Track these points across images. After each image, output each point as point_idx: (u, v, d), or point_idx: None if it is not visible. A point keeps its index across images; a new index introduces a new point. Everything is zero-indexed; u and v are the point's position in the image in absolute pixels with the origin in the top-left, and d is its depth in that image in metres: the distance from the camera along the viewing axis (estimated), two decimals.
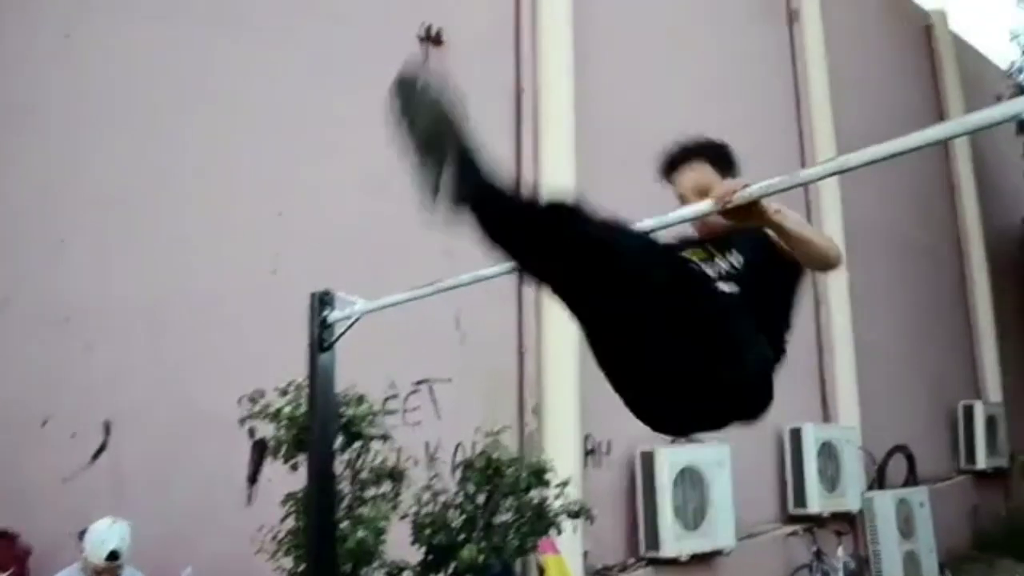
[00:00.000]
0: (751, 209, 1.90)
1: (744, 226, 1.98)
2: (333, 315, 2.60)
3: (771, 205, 1.94)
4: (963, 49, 13.07)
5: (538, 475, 4.01)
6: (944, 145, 12.04)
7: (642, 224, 2.00)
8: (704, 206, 1.93)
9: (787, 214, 1.99)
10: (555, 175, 6.39)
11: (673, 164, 2.34)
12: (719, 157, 2.35)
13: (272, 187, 5.27)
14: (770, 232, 2.06)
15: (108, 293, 4.50)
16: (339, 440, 3.58)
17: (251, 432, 4.70)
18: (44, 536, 3.94)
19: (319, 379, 2.55)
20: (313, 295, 2.63)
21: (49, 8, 4.57)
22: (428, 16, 6.25)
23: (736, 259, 2.25)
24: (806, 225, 2.09)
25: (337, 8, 5.78)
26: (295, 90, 5.46)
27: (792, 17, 9.85)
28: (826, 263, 2.12)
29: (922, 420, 9.90)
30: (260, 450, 4.78)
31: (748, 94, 8.55)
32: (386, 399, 5.33)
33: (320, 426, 2.55)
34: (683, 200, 2.31)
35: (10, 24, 4.44)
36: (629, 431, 6.62)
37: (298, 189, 5.40)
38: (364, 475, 3.65)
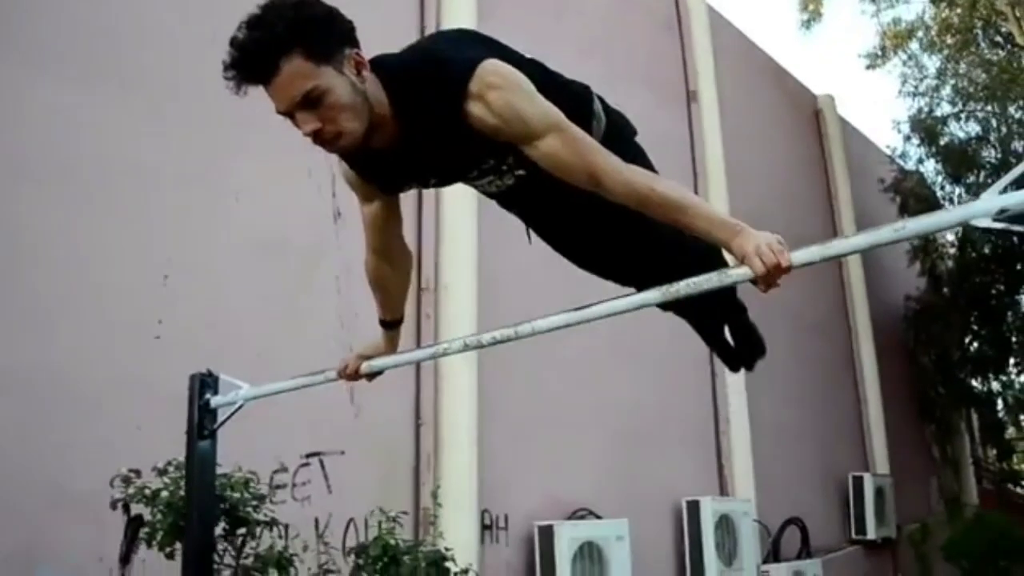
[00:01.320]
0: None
1: None
2: (215, 400, 2.44)
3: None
4: (850, 133, 13.72)
5: (437, 565, 3.84)
6: (832, 223, 12.56)
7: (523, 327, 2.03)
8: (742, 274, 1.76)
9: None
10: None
11: (255, 73, 1.78)
12: (312, 41, 1.73)
13: (157, 250, 5.06)
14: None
15: None
16: (221, 525, 3.36)
17: (126, 507, 4.41)
18: None
19: (197, 468, 2.37)
20: (193, 377, 2.47)
21: None
22: None
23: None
24: None
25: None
26: (186, 151, 5.29)
27: (691, 98, 10.16)
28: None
29: (815, 492, 10.06)
30: (135, 527, 4.47)
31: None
32: (274, 472, 5.10)
33: (198, 518, 2.36)
34: (293, 119, 1.81)
35: None
36: (526, 505, 6.60)
37: (186, 253, 5.20)
38: (248, 562, 3.42)
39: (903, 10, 12.43)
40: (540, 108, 1.82)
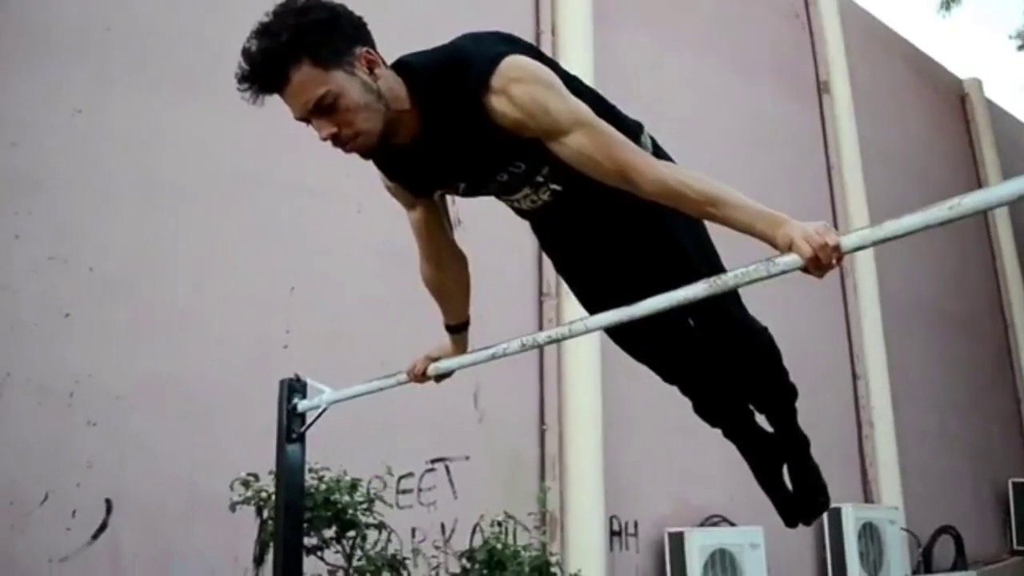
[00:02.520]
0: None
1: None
2: (303, 404, 2.47)
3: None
4: (1000, 117, 12.89)
5: (541, 570, 3.79)
6: (984, 215, 11.80)
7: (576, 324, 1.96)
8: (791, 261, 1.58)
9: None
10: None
11: (266, 84, 1.79)
12: (319, 45, 1.71)
13: (284, 262, 5.22)
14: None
15: (112, 369, 4.43)
16: (333, 529, 3.43)
17: (258, 510, 4.56)
18: None
19: (286, 471, 2.40)
20: (282, 383, 2.52)
21: (64, 83, 4.61)
22: None
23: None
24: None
25: None
26: (310, 165, 5.44)
27: (822, 89, 9.77)
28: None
29: (969, 499, 9.46)
30: (268, 529, 4.63)
31: (779, 165, 8.43)
32: (400, 478, 5.18)
33: (286, 520, 2.39)
34: (317, 132, 1.81)
35: (24, 96, 4.47)
36: (656, 511, 6.46)
37: (311, 264, 5.35)
38: (361, 563, 3.46)
39: None
40: (567, 103, 1.75)
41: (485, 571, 3.70)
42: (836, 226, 7.21)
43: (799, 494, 2.36)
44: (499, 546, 3.74)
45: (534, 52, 1.87)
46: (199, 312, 4.78)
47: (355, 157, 4.96)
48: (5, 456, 4.06)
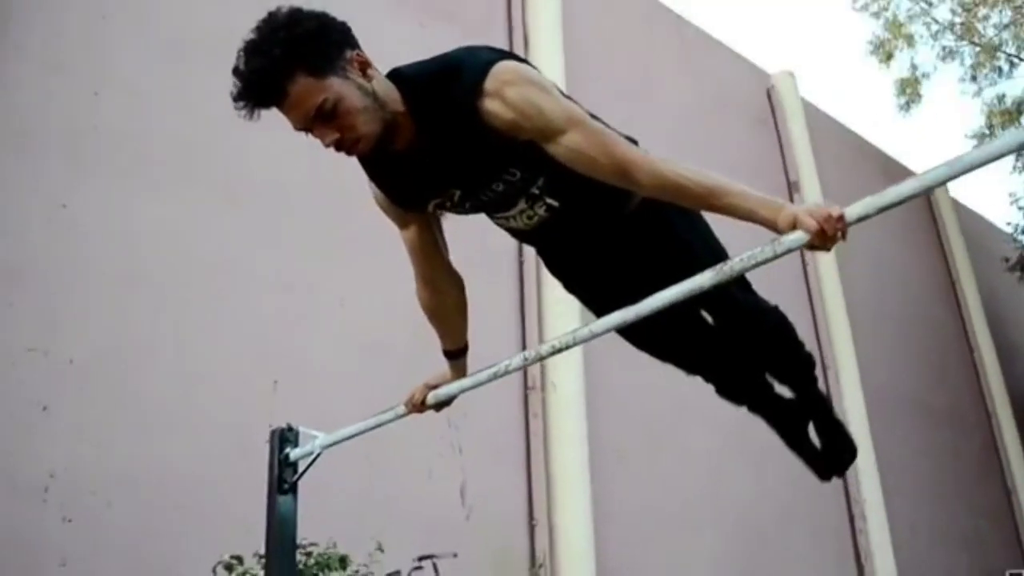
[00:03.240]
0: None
1: None
2: (295, 452, 2.39)
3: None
4: (965, 214, 13.22)
5: None
6: (957, 306, 11.97)
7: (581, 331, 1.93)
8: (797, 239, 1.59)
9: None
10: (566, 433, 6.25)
11: (264, 101, 1.75)
12: (310, 55, 1.70)
13: (268, 355, 5.17)
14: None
15: (89, 462, 4.30)
16: None
17: None
18: None
19: (277, 522, 2.30)
20: (273, 432, 2.44)
21: (48, 178, 4.64)
22: None
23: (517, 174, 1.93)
24: None
25: (337, 182, 5.87)
26: (294, 261, 5.46)
27: (792, 188, 10.01)
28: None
29: None
30: None
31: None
32: (388, 575, 4.99)
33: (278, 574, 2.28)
34: (320, 139, 1.79)
35: (8, 190, 4.48)
36: None
37: (294, 358, 5.29)
38: None
39: (1007, 86, 12.09)
40: (560, 103, 1.76)
41: None
42: (815, 321, 7.27)
43: (827, 449, 2.39)
44: None
45: (527, 64, 1.90)
46: (179, 404, 4.68)
47: (337, 250, 4.95)
48: None
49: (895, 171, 12.44)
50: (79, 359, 4.45)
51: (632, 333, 2.20)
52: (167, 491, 4.47)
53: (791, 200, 9.67)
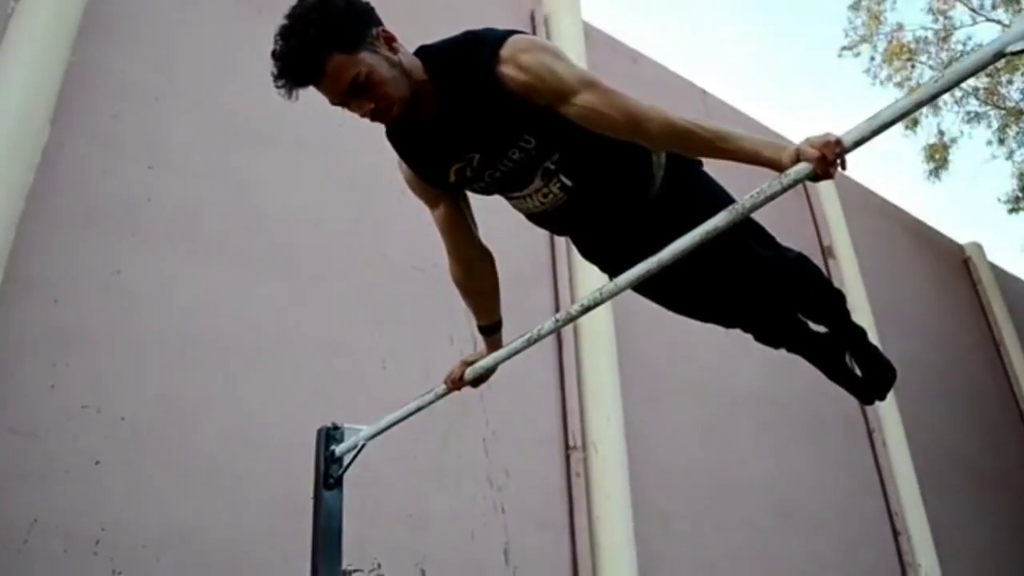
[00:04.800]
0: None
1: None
2: (340, 448, 2.48)
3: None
4: (1004, 277, 13.14)
5: None
6: (1003, 369, 11.79)
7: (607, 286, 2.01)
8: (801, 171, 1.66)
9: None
10: (609, 494, 6.25)
11: (303, 80, 1.88)
12: (338, 30, 1.84)
13: (309, 418, 5.26)
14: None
15: (139, 517, 4.39)
16: None
17: None
18: None
19: (324, 518, 2.37)
20: (320, 430, 2.53)
21: (104, 246, 4.86)
22: None
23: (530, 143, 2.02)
24: None
25: (377, 249, 6.06)
26: (333, 323, 5.61)
27: (827, 253, 10.06)
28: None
29: None
30: None
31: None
32: None
33: (325, 570, 2.34)
34: (354, 111, 1.93)
35: (66, 257, 4.70)
36: None
37: (336, 419, 5.37)
38: None
39: None
40: (572, 67, 1.91)
41: None
42: (867, 423, 7.19)
43: (867, 376, 2.52)
44: None
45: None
46: (227, 463, 4.78)
47: (381, 315, 5.08)
48: None
49: (932, 238, 12.47)
50: (130, 417, 4.58)
51: (661, 292, 2.28)
52: (214, 547, 4.53)
53: (827, 267, 9.77)
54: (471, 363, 2.36)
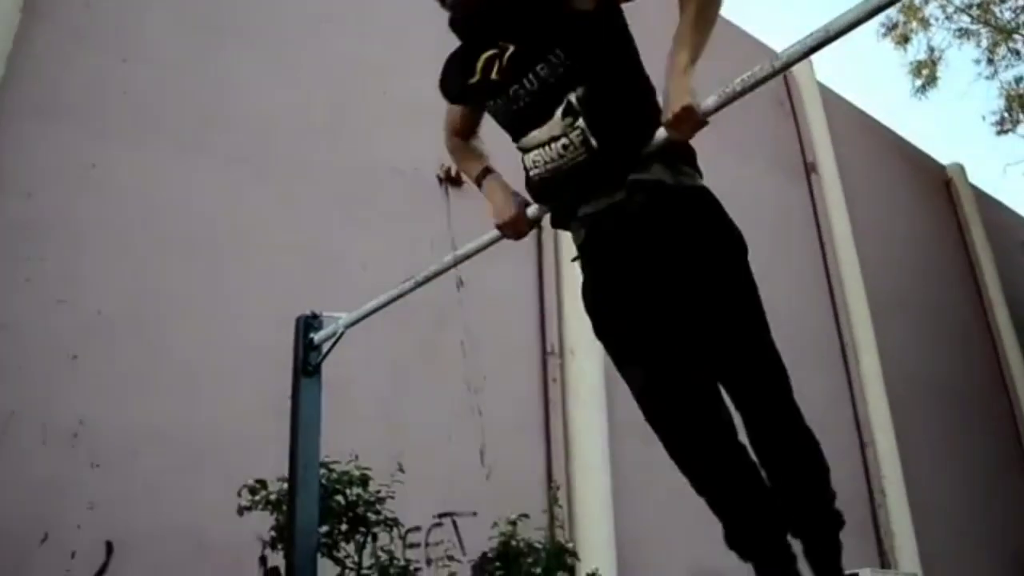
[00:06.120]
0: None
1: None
2: (319, 335, 2.47)
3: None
4: (985, 200, 13.18)
5: (558, 557, 3.69)
6: (977, 292, 11.93)
7: None
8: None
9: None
10: (584, 401, 6.31)
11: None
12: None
13: (288, 316, 5.25)
14: None
15: (117, 411, 4.41)
16: (342, 527, 3.36)
17: (262, 559, 4.46)
18: None
19: (303, 404, 2.38)
20: (299, 318, 2.52)
21: (79, 140, 4.77)
22: (447, 158, 6.42)
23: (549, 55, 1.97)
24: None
25: (357, 151, 5.98)
26: (312, 226, 5.56)
27: (810, 169, 10.04)
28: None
29: (987, 569, 9.19)
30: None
31: (774, 239, 8.56)
32: (407, 531, 5.06)
33: (303, 458, 2.35)
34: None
35: (40, 152, 4.61)
36: (669, 574, 6.26)
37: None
38: (371, 573, 3.37)
39: None
40: None
41: (498, 564, 3.59)
42: (834, 305, 7.22)
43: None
44: (513, 542, 3.63)
45: None
46: (205, 357, 4.79)
47: (361, 216, 4.97)
48: (6, 494, 4.00)
49: (915, 157, 12.45)
50: (107, 312, 4.56)
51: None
52: (191, 440, 4.56)
53: (809, 183, 9.74)
54: (527, 205, 2.17)
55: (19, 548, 3.96)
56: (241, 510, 3.54)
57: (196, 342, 4.79)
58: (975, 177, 13.19)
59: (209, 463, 4.57)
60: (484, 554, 3.87)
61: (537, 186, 2.11)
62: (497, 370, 6.08)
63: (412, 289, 2.33)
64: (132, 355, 4.55)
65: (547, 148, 2.01)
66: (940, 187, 12.67)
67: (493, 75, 2.00)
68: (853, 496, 8.17)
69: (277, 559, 4.05)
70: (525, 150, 2.07)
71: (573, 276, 6.38)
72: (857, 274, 9.40)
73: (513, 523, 3.76)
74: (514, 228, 2.13)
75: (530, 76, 1.96)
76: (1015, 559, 9.72)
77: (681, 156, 2.01)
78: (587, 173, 1.98)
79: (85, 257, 4.59)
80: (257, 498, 3.44)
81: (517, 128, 2.06)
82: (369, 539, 3.45)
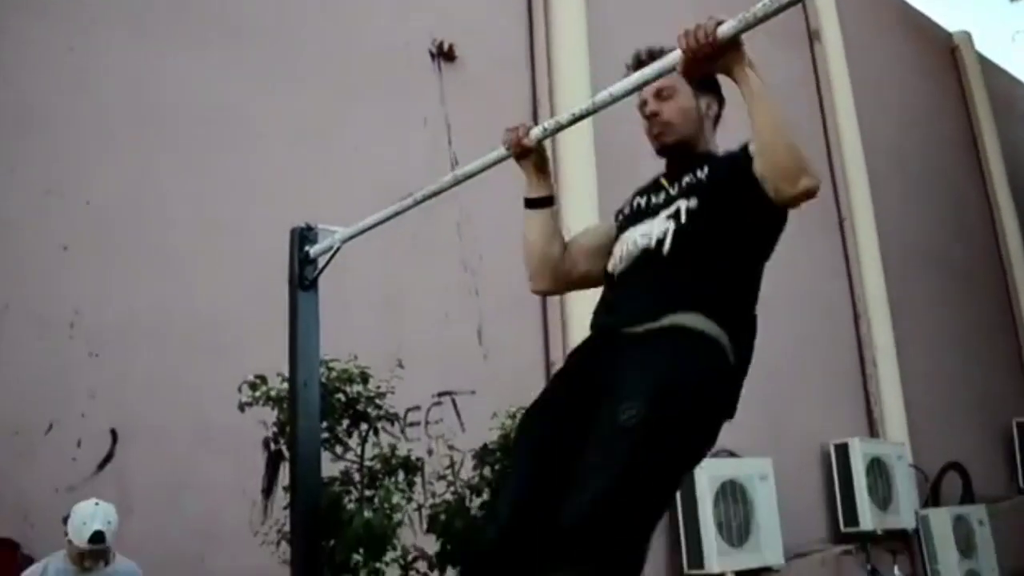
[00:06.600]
0: (727, 54, 1.73)
1: (715, 73, 1.79)
2: (314, 249, 2.43)
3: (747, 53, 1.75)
4: (991, 70, 12.87)
5: None
6: (978, 161, 11.82)
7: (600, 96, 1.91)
8: (671, 58, 1.75)
9: (761, 76, 1.77)
10: (575, 187, 6.22)
11: (644, 63, 2.00)
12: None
13: (281, 203, 5.18)
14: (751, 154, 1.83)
15: (111, 300, 4.40)
16: (344, 424, 3.41)
17: (266, 443, 4.52)
18: (47, 547, 3.74)
19: (301, 319, 2.35)
20: (293, 230, 2.47)
21: (56, 23, 4.57)
22: (439, 32, 6.21)
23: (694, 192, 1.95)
24: (778, 105, 1.78)
25: (347, 23, 5.76)
26: (301, 107, 5.41)
27: (813, 37, 9.74)
28: (791, 173, 1.72)
29: (975, 438, 9.46)
30: (275, 461, 4.59)
31: None
32: (407, 410, 5.13)
33: (304, 374, 2.35)
34: (641, 106, 2.07)
35: (18, 32, 4.44)
36: None
37: (308, 204, 5.30)
38: (374, 464, 3.43)
39: None
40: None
41: (499, 455, 3.67)
42: (832, 169, 7.15)
43: None
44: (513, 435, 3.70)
45: None
46: (198, 245, 4.74)
47: (354, 97, 4.81)
48: (7, 386, 4.03)
49: (921, 24, 12.09)
50: (96, 202, 4.48)
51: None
52: (188, 330, 4.57)
53: (812, 52, 9.45)
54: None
55: (25, 439, 4.02)
56: (242, 406, 3.56)
57: (189, 230, 4.74)
58: (982, 46, 12.84)
59: (209, 352, 4.60)
60: (485, 445, 3.93)
61: (610, 280, 2.09)
62: (493, 250, 6.03)
63: (411, 206, 2.26)
64: (125, 245, 4.50)
65: (632, 243, 2.01)
66: (945, 55, 12.34)
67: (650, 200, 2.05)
68: (845, 368, 8.32)
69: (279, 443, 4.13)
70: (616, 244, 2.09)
71: (570, 151, 6.26)
72: (857, 144, 9.26)
73: (513, 416, 3.80)
74: (514, 135, 2.12)
75: (680, 185, 2.01)
76: (1003, 428, 10.00)
77: (730, 313, 1.94)
78: (647, 277, 1.95)
79: (70, 146, 4.48)
80: (258, 394, 3.46)
81: (623, 227, 2.09)
82: (371, 433, 3.50)
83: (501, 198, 6.21)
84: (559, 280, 2.20)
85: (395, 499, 3.31)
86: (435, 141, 6.00)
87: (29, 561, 3.73)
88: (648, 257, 1.93)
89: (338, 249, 2.38)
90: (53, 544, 3.72)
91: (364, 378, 3.51)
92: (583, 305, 5.99)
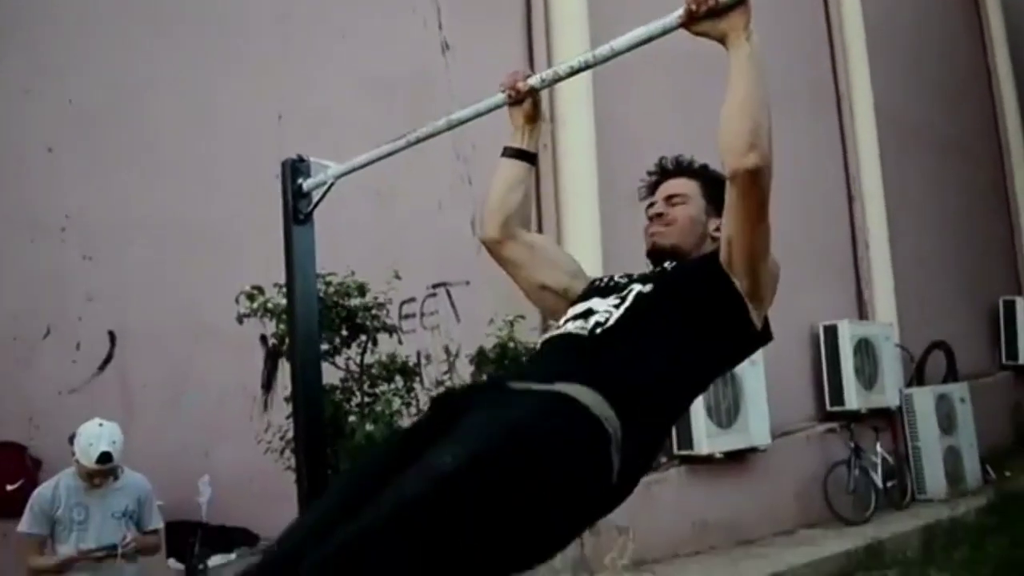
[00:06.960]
0: (731, 15, 1.63)
1: (712, 34, 1.68)
2: (308, 183, 2.36)
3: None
4: None
5: None
6: (980, 35, 11.51)
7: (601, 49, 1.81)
8: (674, 16, 1.66)
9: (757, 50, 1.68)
10: (575, 171, 6.15)
11: (662, 176, 2.05)
12: (712, 186, 1.98)
13: (270, 92, 5.06)
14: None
15: (102, 203, 4.36)
16: (343, 333, 3.43)
17: (264, 339, 4.58)
18: (52, 448, 3.84)
19: (297, 253, 2.32)
20: (284, 163, 2.40)
21: None
22: None
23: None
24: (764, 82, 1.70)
25: None
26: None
27: None
28: (742, 144, 1.64)
29: (961, 317, 9.60)
30: (274, 356, 4.66)
31: (779, 27, 8.06)
32: (402, 303, 5.17)
33: (302, 307, 2.33)
34: (648, 206, 2.05)
35: None
36: None
37: (297, 93, 5.18)
38: (373, 371, 3.48)
39: None
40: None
41: (501, 365, 3.73)
42: (832, 48, 6.93)
43: None
44: (511, 344, 3.76)
45: None
46: (187, 143, 4.66)
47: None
48: (2, 292, 4.03)
49: None
50: (79, 101, 4.37)
51: None
52: (183, 230, 4.55)
53: None
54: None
55: (24, 344, 4.05)
56: (240, 318, 3.57)
57: (177, 129, 4.65)
58: None
59: (202, 250, 4.59)
60: (481, 348, 3.97)
61: (543, 345, 1.92)
62: (485, 139, 5.92)
63: (405, 147, 2.19)
64: (111, 145, 4.43)
65: (578, 318, 1.84)
66: None
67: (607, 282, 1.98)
68: (837, 250, 8.35)
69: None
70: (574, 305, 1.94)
71: (564, 44, 6.08)
72: (859, 19, 8.98)
73: (511, 322, 3.84)
74: (512, 79, 2.01)
75: (647, 276, 1.95)
76: (990, 307, 10.12)
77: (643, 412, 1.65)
78: (570, 354, 1.76)
79: (50, 44, 4.33)
80: (255, 305, 3.47)
81: (588, 293, 1.97)
82: (370, 344, 3.52)
83: (493, 85, 6.09)
84: (504, 235, 2.05)
85: (395, 405, 3.36)
86: (425, 25, 5.84)
87: (37, 463, 3.83)
88: (580, 339, 1.77)
89: (331, 185, 2.32)
90: (59, 446, 3.80)
91: (362, 291, 3.51)
92: (577, 199, 5.99)
